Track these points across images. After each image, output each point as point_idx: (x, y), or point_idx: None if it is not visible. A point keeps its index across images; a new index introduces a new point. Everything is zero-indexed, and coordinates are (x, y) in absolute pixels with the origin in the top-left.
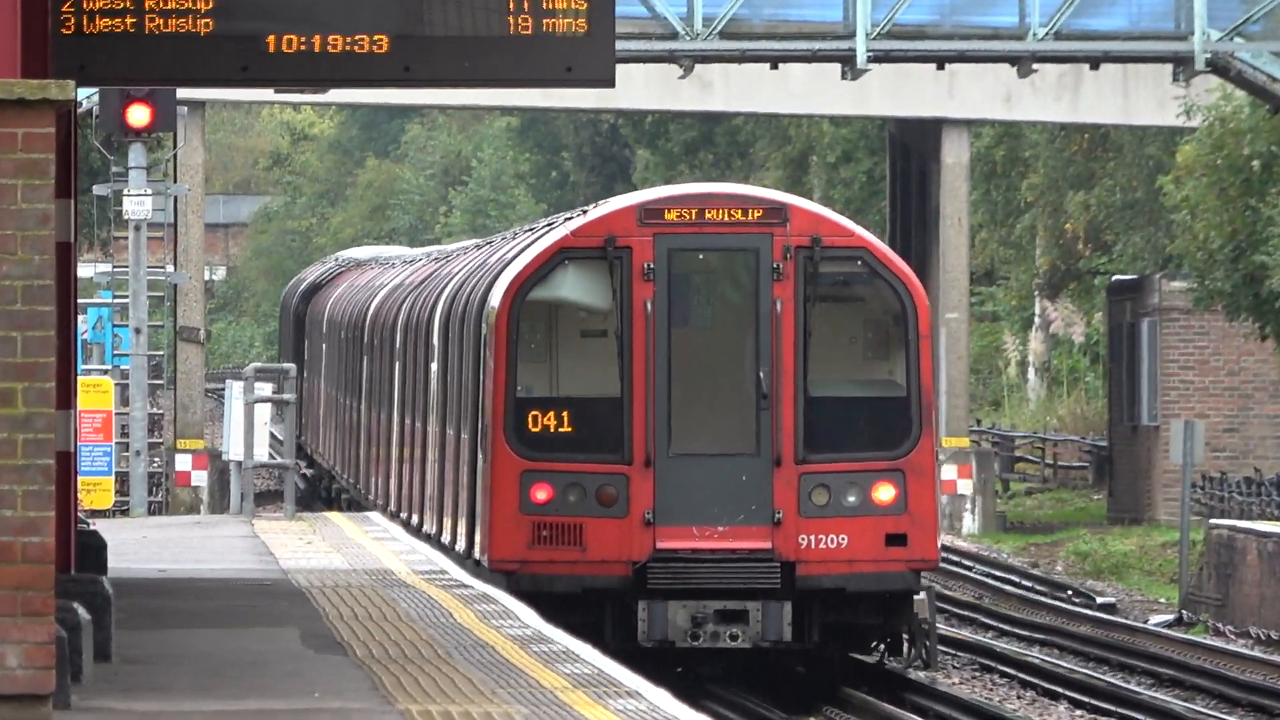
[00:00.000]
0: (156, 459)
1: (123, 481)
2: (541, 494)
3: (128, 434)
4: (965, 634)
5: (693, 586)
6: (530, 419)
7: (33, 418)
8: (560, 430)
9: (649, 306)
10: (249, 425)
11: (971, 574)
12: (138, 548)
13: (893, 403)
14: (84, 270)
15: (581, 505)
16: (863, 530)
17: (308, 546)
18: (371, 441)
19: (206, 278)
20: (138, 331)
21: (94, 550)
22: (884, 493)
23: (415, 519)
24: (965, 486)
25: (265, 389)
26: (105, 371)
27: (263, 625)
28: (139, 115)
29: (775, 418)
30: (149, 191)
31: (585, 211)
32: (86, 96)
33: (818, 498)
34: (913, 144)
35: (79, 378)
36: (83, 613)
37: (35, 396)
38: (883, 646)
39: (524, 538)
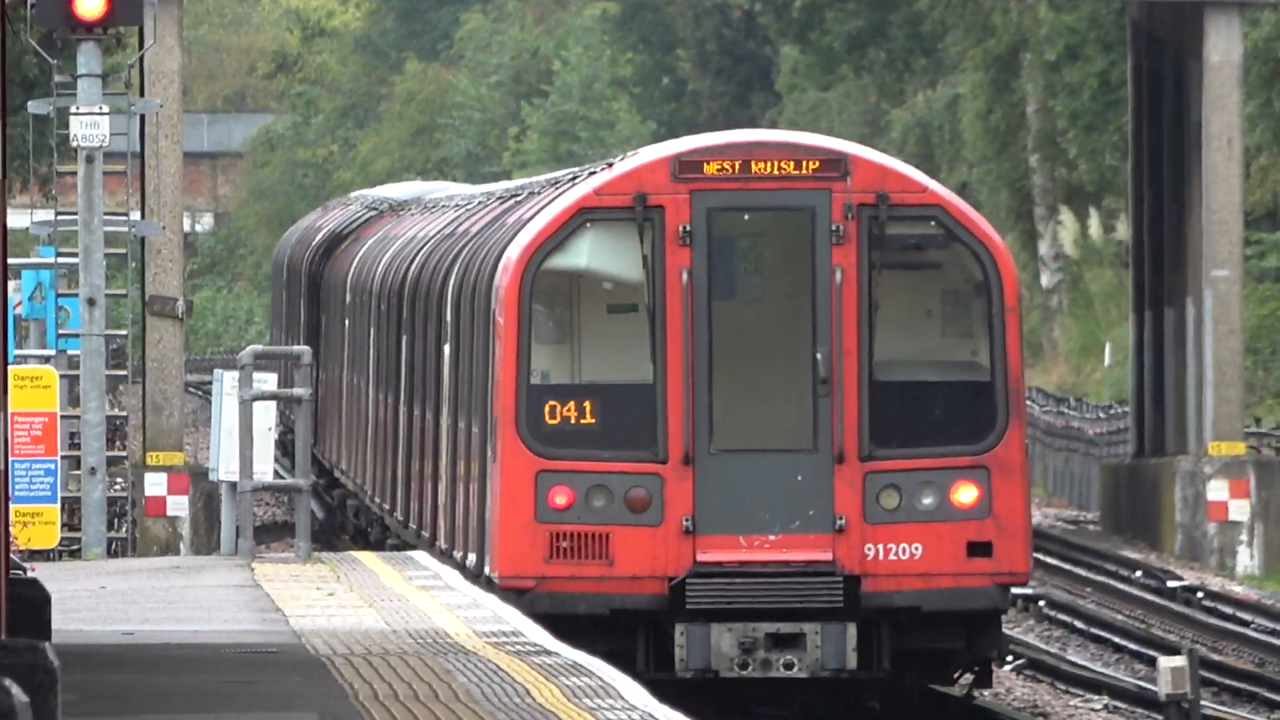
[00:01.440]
0: (119, 480)
1: (72, 511)
2: (560, 498)
3: (79, 445)
4: (1240, 716)
5: (740, 606)
6: (547, 410)
7: None
8: (582, 423)
9: (686, 276)
10: (246, 432)
11: (1249, 631)
12: (94, 602)
13: (974, 387)
14: (16, 218)
15: (608, 511)
16: (940, 538)
17: (328, 599)
18: (414, 453)
19: (187, 228)
20: (91, 303)
21: (33, 606)
22: (965, 494)
23: (444, 543)
24: (1240, 509)
25: (268, 381)
26: (47, 359)
27: (265, 710)
28: (91, 3)
29: (836, 406)
30: (105, 109)
31: (610, 165)
32: None
33: (886, 500)
34: (1165, 36)
35: (10, 367)
36: (17, 693)
37: None
38: (969, 676)
39: (540, 550)
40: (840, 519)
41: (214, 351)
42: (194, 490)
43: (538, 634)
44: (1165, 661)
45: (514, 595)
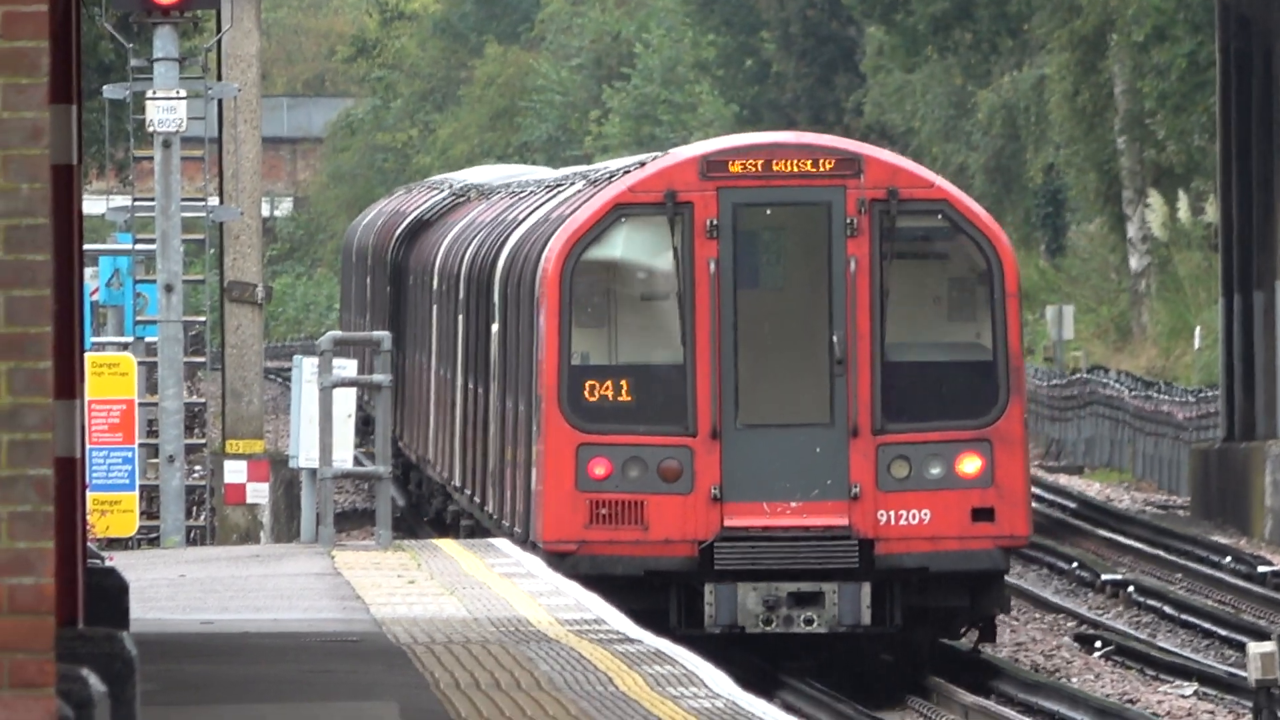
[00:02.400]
0: (198, 467)
1: (151, 499)
2: (599, 469)
3: (157, 433)
4: None
5: (764, 567)
6: (586, 388)
7: (21, 411)
8: (619, 400)
9: (713, 266)
10: (326, 419)
11: None
12: (172, 591)
13: (978, 367)
14: (93, 205)
15: (643, 481)
16: (947, 505)
17: (409, 587)
18: (499, 440)
19: (265, 214)
20: (169, 290)
21: (111, 595)
22: (969, 464)
23: (507, 520)
24: None
25: (348, 368)
26: (125, 346)
27: (346, 699)
28: None
29: (851, 385)
30: (183, 94)
31: (643, 164)
32: None
33: (897, 470)
34: (1254, 16)
35: (87, 354)
36: (96, 683)
37: (25, 381)
38: (975, 632)
39: (581, 517)
40: (855, 487)
41: (294, 338)
42: (274, 478)
43: (620, 621)
44: (1255, 647)
45: (557, 558)
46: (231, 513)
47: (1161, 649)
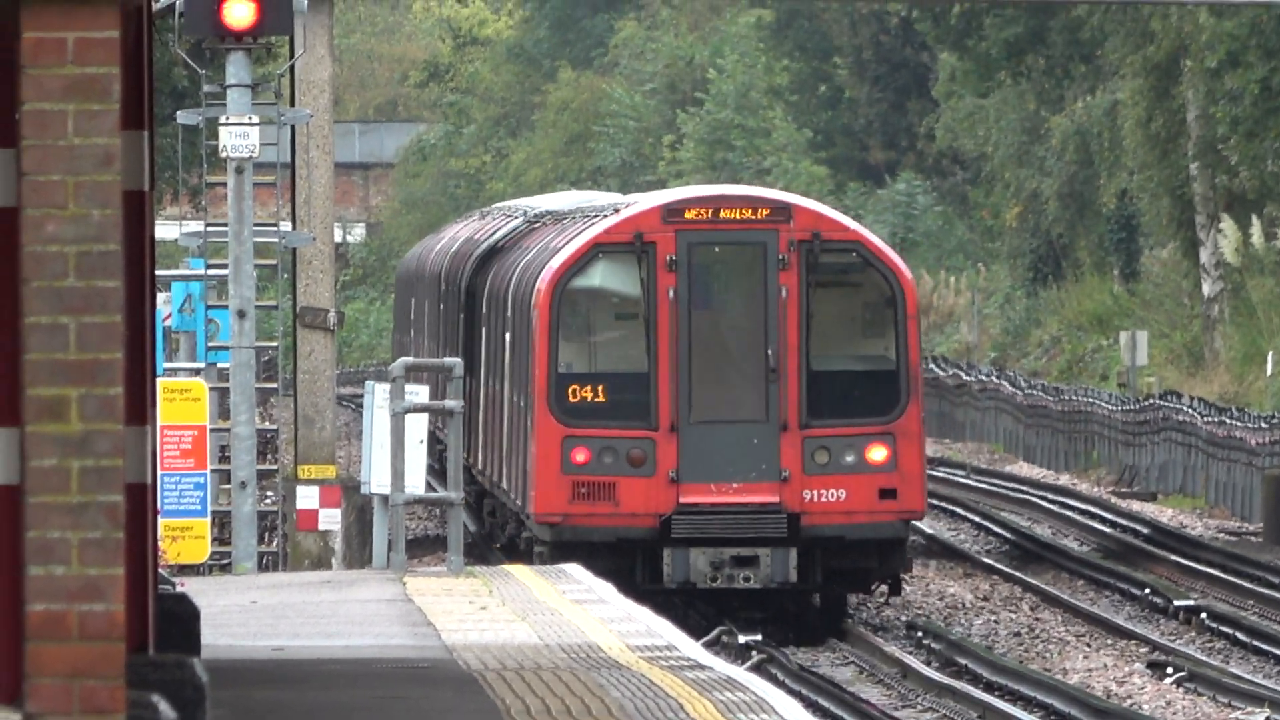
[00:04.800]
0: (270, 493)
1: (222, 525)
2: (580, 456)
3: (229, 458)
4: None
5: (711, 535)
6: (570, 391)
7: (92, 437)
8: (596, 401)
9: (672, 293)
10: (398, 444)
11: None
12: (244, 617)
13: (884, 375)
14: (165, 230)
15: (615, 466)
16: (859, 486)
17: (481, 613)
18: (509, 432)
19: (338, 239)
20: (242, 315)
21: (182, 621)
22: (877, 453)
23: (505, 485)
24: None
25: (420, 393)
26: (197, 372)
27: None
28: (241, 12)
29: (782, 389)
30: (256, 120)
31: (617, 210)
32: None
33: (819, 458)
34: None
35: (159, 380)
36: (166, 709)
37: (96, 407)
38: (884, 588)
39: (565, 495)
40: (785, 472)
41: (366, 364)
42: (346, 504)
43: (691, 648)
44: None
45: (547, 527)
46: (303, 539)
47: (1234, 675)
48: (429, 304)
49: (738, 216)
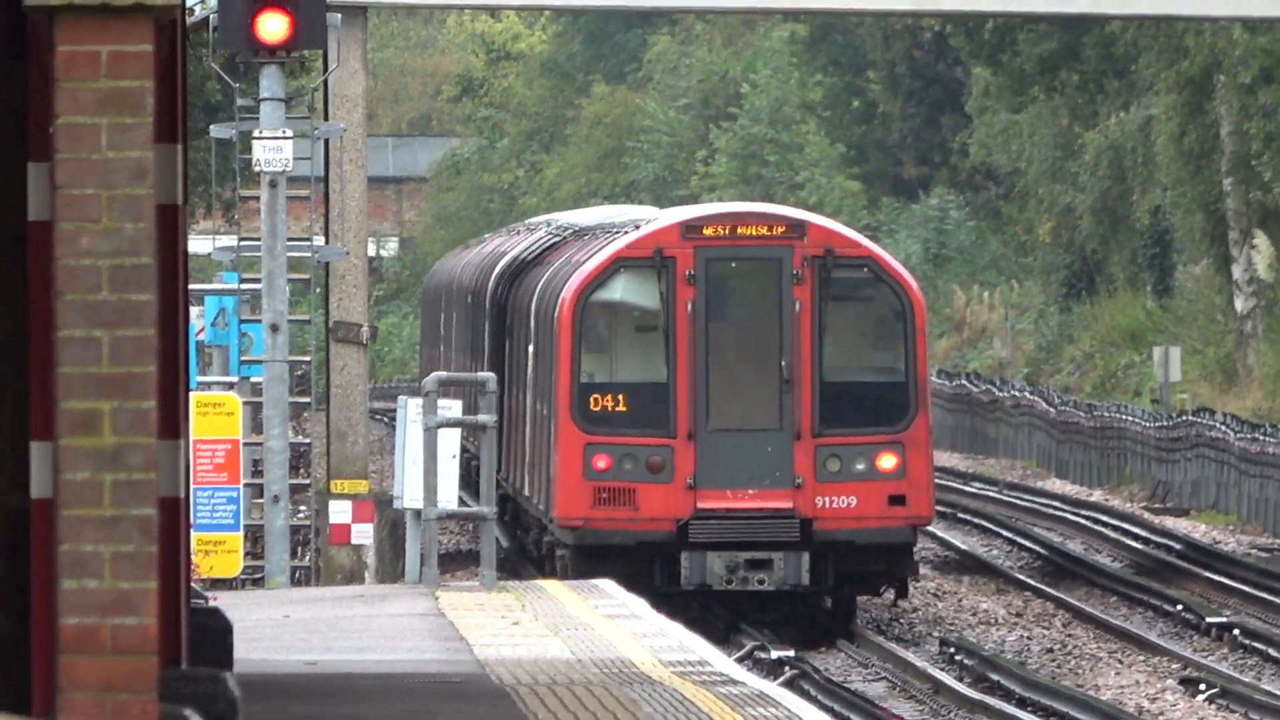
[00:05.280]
0: (303, 508)
1: (255, 539)
2: (601, 463)
3: (262, 473)
4: None
5: (727, 540)
6: (592, 400)
7: (125, 451)
8: (617, 410)
9: (690, 306)
10: (431, 459)
11: None
12: (277, 632)
13: (894, 386)
14: (199, 244)
15: (634, 472)
16: (869, 493)
17: (513, 628)
18: (532, 439)
19: (371, 253)
20: (274, 329)
21: (215, 635)
22: (886, 461)
23: (527, 491)
24: None
25: (453, 408)
26: (230, 386)
27: None
28: (274, 26)
29: (795, 399)
30: (289, 134)
31: (638, 227)
32: (200, 1)
33: (831, 465)
34: None
35: (192, 394)
36: None
37: (129, 421)
38: (892, 591)
39: (587, 500)
40: (798, 479)
41: (399, 378)
42: (379, 518)
43: (724, 663)
44: None
45: (569, 530)
46: (336, 553)
47: (1266, 692)
48: (459, 317)
49: (754, 233)
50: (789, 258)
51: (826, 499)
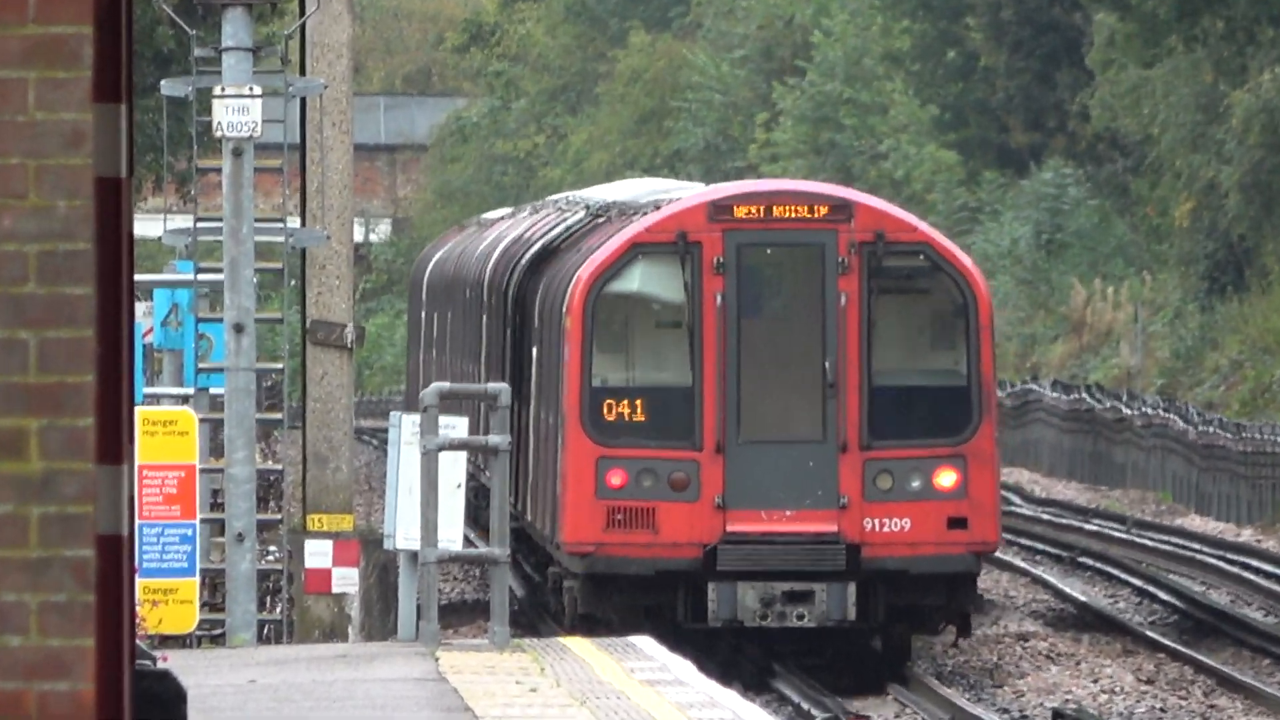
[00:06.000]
0: (273, 548)
1: (215, 587)
2: (616, 479)
3: (223, 505)
4: None
5: (761, 568)
6: (605, 407)
7: (56, 479)
8: (634, 418)
9: (719, 299)
10: (430, 489)
11: None
12: (240, 700)
13: (954, 391)
14: (148, 226)
15: (654, 490)
16: (925, 514)
17: (530, 696)
18: (535, 453)
19: (358, 238)
20: (239, 330)
21: (164, 704)
22: (945, 478)
23: (529, 515)
24: None
25: (458, 427)
26: (184, 399)
27: None
28: None
29: (841, 405)
30: (257, 91)
31: (658, 207)
32: None
33: (882, 483)
34: None
35: (139, 409)
36: None
37: (61, 443)
38: (953, 628)
39: (599, 521)
40: (844, 498)
41: (392, 391)
42: (365, 561)
43: None
44: None
45: (578, 558)
46: (313, 604)
47: None
48: (463, 314)
49: (793, 215)
50: (833, 243)
51: (876, 521)
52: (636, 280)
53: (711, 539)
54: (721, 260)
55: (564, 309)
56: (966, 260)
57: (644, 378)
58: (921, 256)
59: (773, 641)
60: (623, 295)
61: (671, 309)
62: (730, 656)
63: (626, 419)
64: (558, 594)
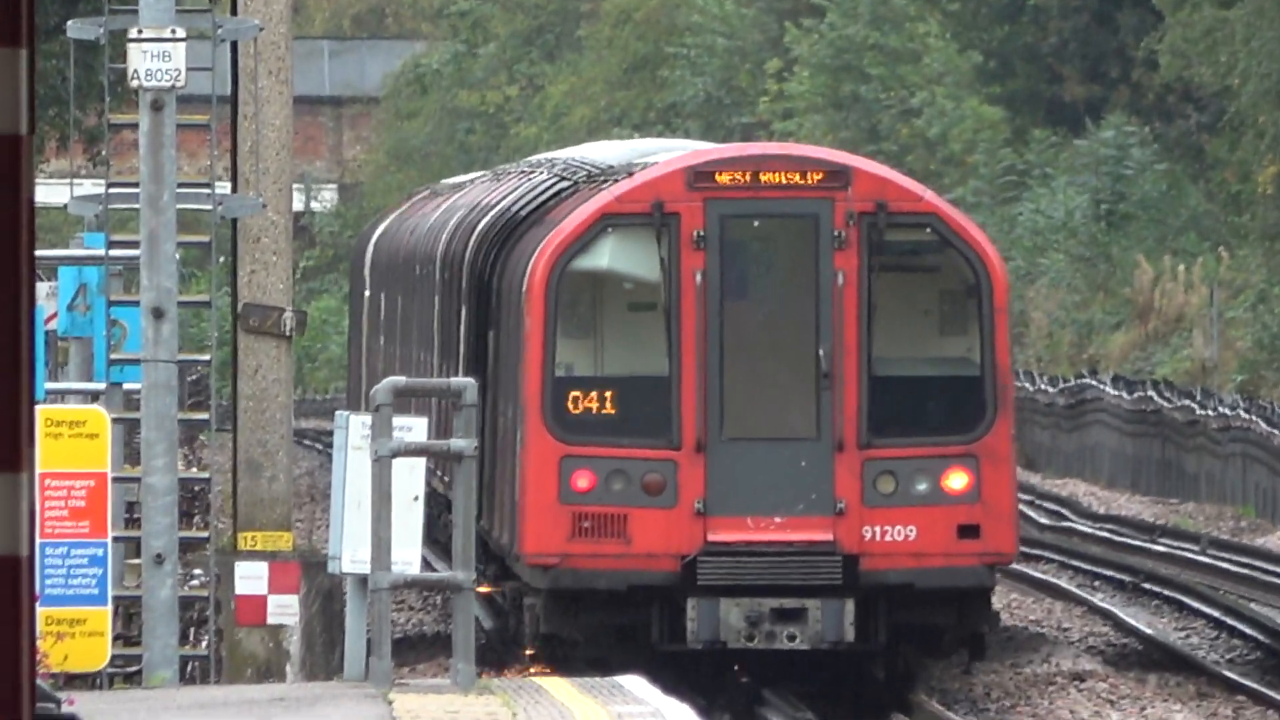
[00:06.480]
0: (198, 572)
1: (130, 617)
2: (583, 481)
3: (139, 522)
4: None
5: (747, 583)
6: (570, 400)
7: None
8: (603, 412)
9: (699, 278)
10: (385, 502)
11: None
12: None
13: (965, 382)
14: (50, 192)
15: (626, 494)
16: (933, 521)
17: None
18: (490, 452)
19: (299, 206)
20: (158, 315)
21: None
22: (956, 480)
23: (484, 521)
24: None
25: (415, 428)
26: (94, 396)
27: None
28: None
29: (837, 399)
30: (180, 34)
31: (631, 174)
32: None
33: (883, 486)
34: None
35: (39, 408)
36: None
37: None
38: (965, 650)
39: (564, 529)
40: (840, 503)
41: (338, 387)
42: (307, 587)
43: None
44: None
45: (540, 571)
46: (245, 637)
47: None
48: (416, 297)
49: (783, 181)
50: (828, 214)
51: (877, 530)
52: (606, 256)
53: (691, 549)
54: (702, 233)
55: (524, 288)
56: (979, 234)
57: (614, 366)
58: (928, 229)
59: (760, 666)
60: (590, 273)
61: (646, 288)
62: (714, 681)
63: (594, 413)
64: (518, 611)
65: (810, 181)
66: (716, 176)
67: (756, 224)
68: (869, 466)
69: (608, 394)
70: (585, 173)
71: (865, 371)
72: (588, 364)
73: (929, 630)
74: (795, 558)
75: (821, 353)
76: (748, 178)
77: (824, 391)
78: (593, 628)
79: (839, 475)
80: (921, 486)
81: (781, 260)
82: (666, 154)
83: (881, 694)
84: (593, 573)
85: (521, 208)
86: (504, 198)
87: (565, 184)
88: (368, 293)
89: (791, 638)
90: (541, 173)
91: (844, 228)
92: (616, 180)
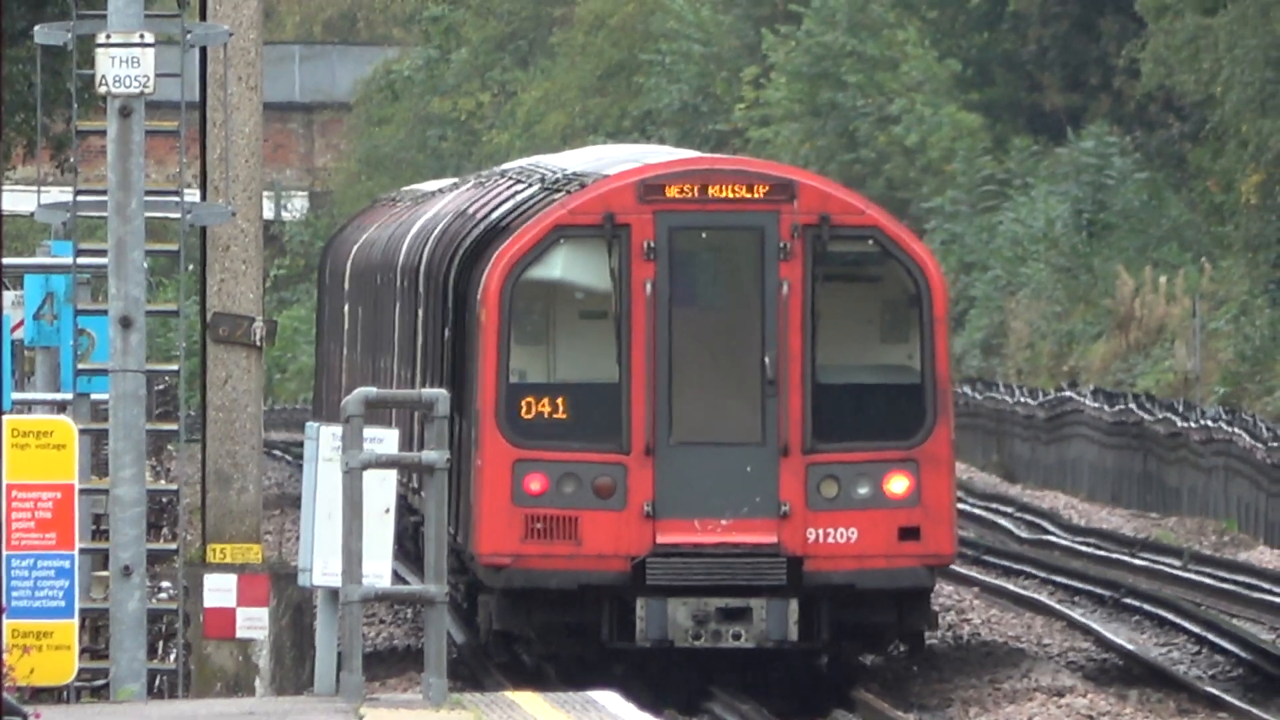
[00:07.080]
0: (166, 584)
1: (97, 630)
2: (535, 484)
3: (107, 534)
4: None
5: (694, 583)
6: (523, 405)
7: None
8: (555, 417)
9: (649, 287)
10: (355, 514)
11: None
12: None
13: (906, 389)
14: (18, 199)
15: (577, 496)
16: (874, 524)
17: None
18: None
19: (269, 215)
20: (126, 324)
21: None
22: (897, 484)
23: (452, 530)
24: None
25: (386, 440)
26: (61, 407)
27: None
28: None
29: (782, 405)
30: (149, 39)
31: (584, 186)
32: None
33: (826, 489)
34: None
35: (5, 419)
36: None
37: None
38: (904, 647)
39: (516, 531)
40: (785, 506)
41: (309, 398)
42: (276, 600)
43: None
44: None
45: (493, 570)
46: (214, 651)
47: None
48: (389, 307)
49: (730, 195)
50: (774, 226)
51: (820, 532)
52: (559, 266)
53: (640, 550)
54: (652, 244)
55: (479, 297)
56: (920, 246)
57: (566, 373)
58: (871, 241)
59: (708, 664)
60: (543, 283)
61: (597, 297)
62: (661, 677)
63: (546, 418)
64: (473, 608)
65: (757, 195)
66: (666, 190)
67: (705, 235)
68: (813, 471)
69: (560, 400)
70: (542, 182)
71: (809, 378)
72: (540, 370)
73: (870, 629)
74: (741, 559)
75: (767, 360)
76: (696, 191)
77: (769, 398)
78: (544, 626)
79: (784, 479)
80: (863, 490)
81: (729, 271)
82: (623, 165)
83: (820, 689)
84: (545, 573)
85: (480, 217)
86: (464, 206)
87: (523, 192)
88: (329, 300)
89: (737, 636)
90: (501, 181)
91: (789, 239)
92: (567, 192)
